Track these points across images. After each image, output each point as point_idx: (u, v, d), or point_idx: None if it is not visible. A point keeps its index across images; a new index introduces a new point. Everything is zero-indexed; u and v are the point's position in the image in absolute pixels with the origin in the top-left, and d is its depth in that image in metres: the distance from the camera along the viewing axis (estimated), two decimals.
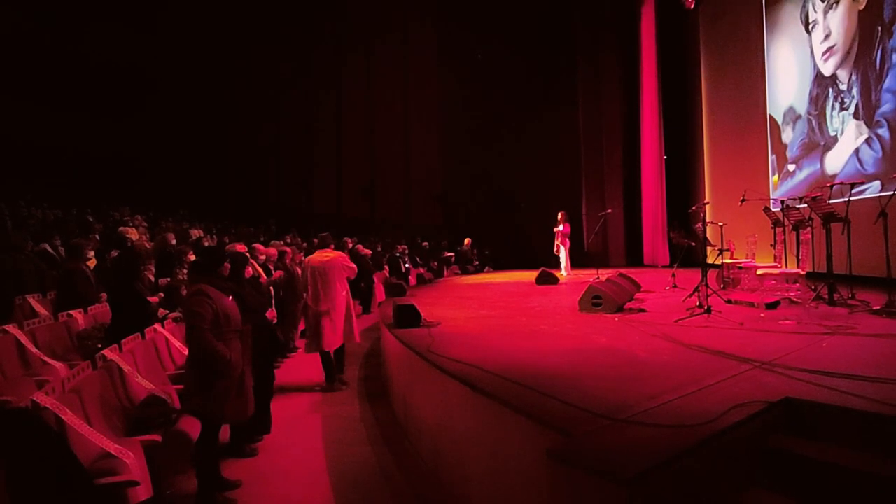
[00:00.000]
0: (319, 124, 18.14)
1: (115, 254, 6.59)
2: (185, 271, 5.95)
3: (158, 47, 15.49)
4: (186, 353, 3.95)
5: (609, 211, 11.05)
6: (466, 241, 14.95)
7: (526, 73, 16.17)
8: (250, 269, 4.61)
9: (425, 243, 15.11)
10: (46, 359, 4.44)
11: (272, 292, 6.27)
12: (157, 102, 15.69)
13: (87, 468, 2.85)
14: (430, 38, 18.04)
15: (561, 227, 11.00)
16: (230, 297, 3.73)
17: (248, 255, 5.16)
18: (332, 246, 6.06)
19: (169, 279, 6.04)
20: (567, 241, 11.17)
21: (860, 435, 2.45)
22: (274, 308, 5.65)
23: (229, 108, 16.54)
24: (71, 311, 5.16)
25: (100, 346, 4.47)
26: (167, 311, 5.15)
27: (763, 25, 10.82)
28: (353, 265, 5.92)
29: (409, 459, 4.06)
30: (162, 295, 5.62)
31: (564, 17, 15.77)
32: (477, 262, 14.80)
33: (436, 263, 14.13)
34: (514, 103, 16.21)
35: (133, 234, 8.13)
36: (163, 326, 4.85)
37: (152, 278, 6.18)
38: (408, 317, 5.16)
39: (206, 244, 8.09)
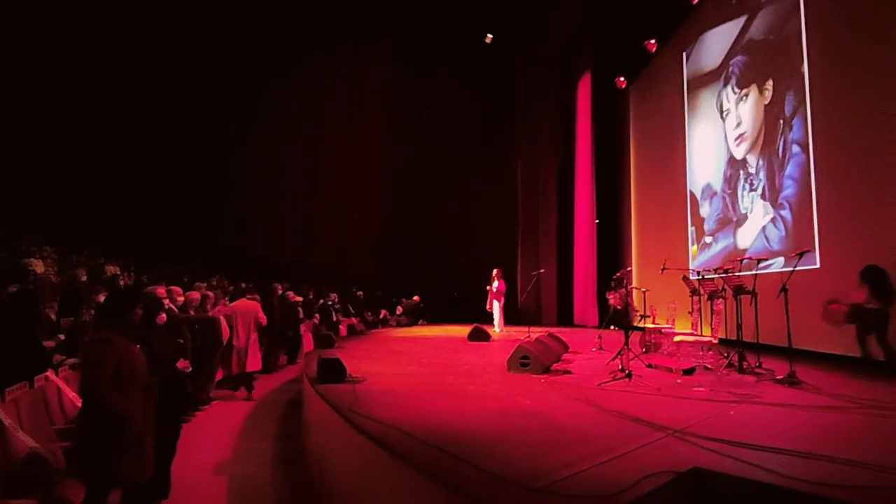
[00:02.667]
0: (260, 164, 17.81)
1: (13, 289, 6.02)
2: (92, 312, 5.51)
3: (96, 72, 14.93)
4: (80, 405, 3.61)
5: (542, 270, 11.39)
6: (415, 297, 15.08)
7: (468, 135, 16.82)
8: (164, 315, 4.32)
9: (360, 293, 14.89)
10: None
11: (189, 339, 5.91)
12: (87, 128, 14.97)
13: None
14: (381, 86, 18.48)
15: (496, 285, 11.19)
16: (137, 346, 3.47)
17: (164, 299, 4.88)
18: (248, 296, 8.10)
19: (73, 319, 5.56)
20: (502, 298, 11.35)
21: None
22: (189, 358, 5.29)
23: (165, 141, 15.98)
24: None
25: None
26: (64, 357, 4.71)
27: (685, 109, 11.85)
28: (263, 317, 7.62)
29: None
30: (62, 337, 5.16)
31: (507, 85, 16.68)
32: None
33: (370, 314, 13.91)
34: (457, 162, 16.73)
35: (39, 266, 7.51)
36: (56, 374, 4.42)
37: (54, 317, 5.68)
38: (332, 372, 4.99)
39: (122, 283, 7.58)
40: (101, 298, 5.45)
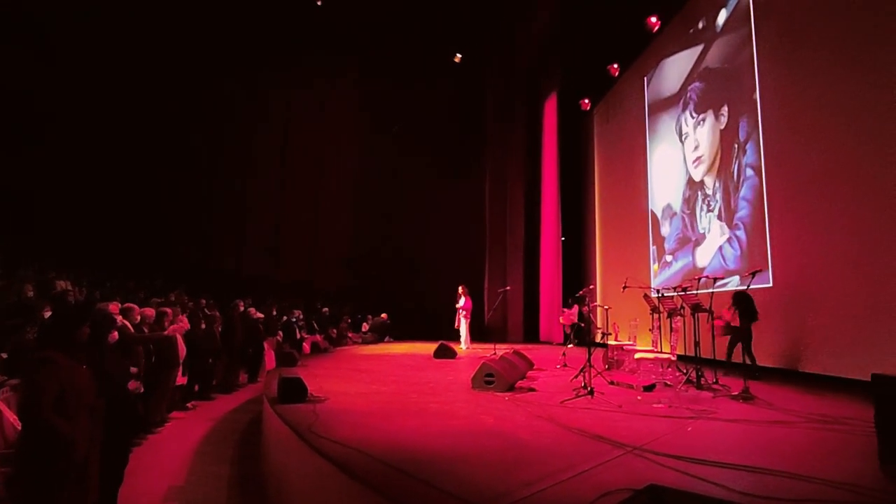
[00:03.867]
0: (225, 173, 17.40)
1: None
2: (36, 330, 5.25)
3: (52, 79, 14.43)
4: (19, 428, 3.43)
5: (508, 288, 11.47)
6: (383, 315, 14.97)
7: (439, 152, 16.94)
8: (116, 333, 4.16)
9: (325, 309, 14.67)
10: None
11: (141, 356, 5.69)
12: (42, 136, 14.40)
13: None
14: (351, 100, 18.46)
15: (462, 302, 11.22)
16: (84, 367, 3.32)
17: (117, 316, 4.70)
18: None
19: (15, 337, 5.28)
20: (468, 314, 11.38)
21: None
22: (141, 377, 5.09)
23: (126, 150, 15.48)
24: None
25: None
26: (5, 378, 4.46)
27: (646, 131, 12.23)
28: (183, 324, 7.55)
29: None
30: (4, 356, 4.89)
31: (477, 103, 16.93)
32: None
33: (335, 331, 13.70)
34: (427, 178, 16.83)
35: None
36: None
37: None
38: (292, 391, 4.87)
39: (72, 299, 7.26)
40: (48, 314, 5.23)
